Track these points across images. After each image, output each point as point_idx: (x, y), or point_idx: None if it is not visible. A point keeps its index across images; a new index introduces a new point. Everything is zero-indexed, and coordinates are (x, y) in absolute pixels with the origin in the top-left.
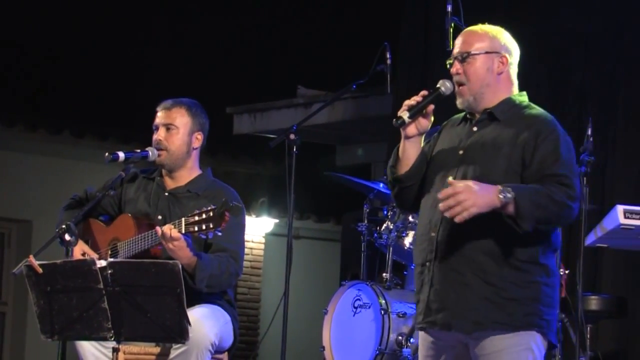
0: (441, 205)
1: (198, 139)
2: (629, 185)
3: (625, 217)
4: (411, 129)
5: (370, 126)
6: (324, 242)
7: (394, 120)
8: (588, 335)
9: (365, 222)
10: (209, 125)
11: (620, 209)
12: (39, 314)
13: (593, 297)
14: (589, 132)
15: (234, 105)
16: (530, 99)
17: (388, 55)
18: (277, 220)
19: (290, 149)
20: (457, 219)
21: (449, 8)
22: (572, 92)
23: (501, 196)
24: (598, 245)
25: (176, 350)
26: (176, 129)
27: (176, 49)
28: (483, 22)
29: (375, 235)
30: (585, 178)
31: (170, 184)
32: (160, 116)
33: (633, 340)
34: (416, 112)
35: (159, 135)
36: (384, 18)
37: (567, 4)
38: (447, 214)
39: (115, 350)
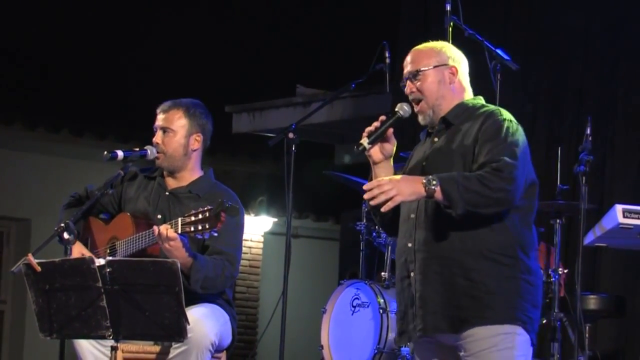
0: (365, 195)
1: (197, 141)
2: (628, 184)
3: (624, 217)
4: (376, 155)
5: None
6: (323, 241)
7: (355, 147)
8: (587, 335)
9: (364, 221)
10: (211, 125)
11: (619, 208)
12: (37, 313)
13: (592, 296)
14: (588, 131)
15: (233, 104)
16: (529, 98)
17: (387, 54)
18: (275, 219)
19: (289, 147)
20: (383, 209)
21: (448, 7)
22: (571, 92)
23: (424, 182)
24: (597, 244)
25: (176, 350)
26: (173, 132)
27: (175, 48)
28: (481, 22)
29: (374, 234)
30: (584, 177)
31: (171, 184)
32: (158, 119)
33: (631, 339)
34: (376, 137)
35: (157, 138)
36: (383, 17)
37: (566, 3)
38: (372, 203)
39: (113, 349)
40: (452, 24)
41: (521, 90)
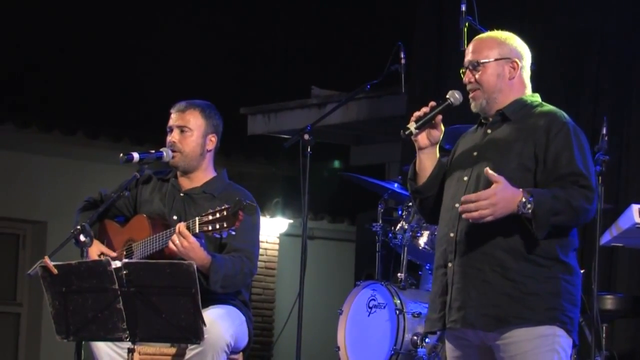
0: (460, 208)
1: (212, 141)
2: None
3: None
4: (423, 140)
5: (384, 126)
6: (339, 242)
7: (402, 131)
8: (604, 335)
9: (380, 222)
10: (222, 127)
11: (635, 208)
12: (54, 315)
13: (608, 296)
14: (604, 131)
15: (248, 105)
16: (545, 98)
17: (402, 55)
18: (291, 221)
19: (305, 149)
20: (471, 220)
21: (463, 8)
22: (587, 91)
23: (519, 205)
24: (613, 244)
25: (192, 351)
26: (190, 131)
27: (190, 50)
28: (497, 22)
29: (390, 235)
30: (600, 177)
31: (185, 184)
32: (174, 118)
33: None
34: (424, 123)
35: (173, 137)
36: (398, 18)
37: (582, 3)
38: (464, 216)
39: (130, 351)
40: (467, 24)
41: (536, 90)
